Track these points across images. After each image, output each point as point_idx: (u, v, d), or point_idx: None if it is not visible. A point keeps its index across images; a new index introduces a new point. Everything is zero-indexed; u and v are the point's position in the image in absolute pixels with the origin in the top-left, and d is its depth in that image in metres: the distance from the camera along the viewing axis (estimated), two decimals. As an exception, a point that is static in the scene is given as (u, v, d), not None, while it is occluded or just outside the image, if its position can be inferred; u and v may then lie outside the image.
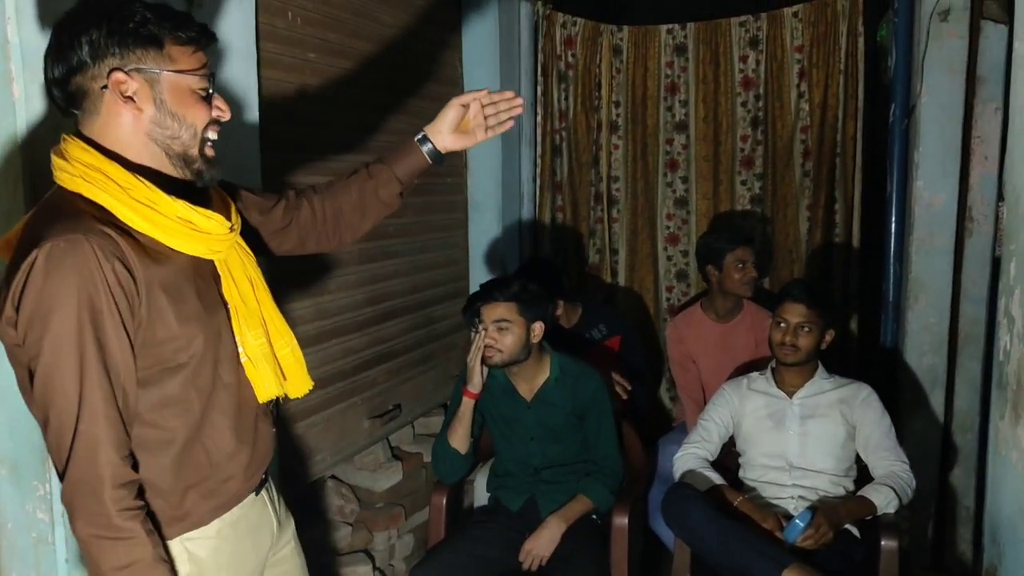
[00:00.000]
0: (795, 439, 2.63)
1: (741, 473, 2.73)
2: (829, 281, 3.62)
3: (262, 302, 1.43)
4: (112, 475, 1.19)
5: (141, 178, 1.24)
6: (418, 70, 3.17)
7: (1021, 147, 1.66)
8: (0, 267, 1.28)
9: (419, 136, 1.65)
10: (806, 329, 2.59)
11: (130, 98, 1.25)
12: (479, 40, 3.49)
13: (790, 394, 2.68)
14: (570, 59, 3.79)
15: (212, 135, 1.33)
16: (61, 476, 1.20)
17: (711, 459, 2.69)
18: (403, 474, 3.08)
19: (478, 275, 3.64)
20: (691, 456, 2.67)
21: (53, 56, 1.25)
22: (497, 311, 2.48)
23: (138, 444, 1.26)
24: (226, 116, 1.35)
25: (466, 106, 1.64)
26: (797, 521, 2.32)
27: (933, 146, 3.17)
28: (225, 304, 1.37)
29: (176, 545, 1.33)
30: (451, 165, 3.48)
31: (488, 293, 2.52)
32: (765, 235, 3.73)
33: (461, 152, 3.49)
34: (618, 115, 3.80)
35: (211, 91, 1.32)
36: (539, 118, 3.83)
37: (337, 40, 2.65)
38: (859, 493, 2.48)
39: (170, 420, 1.30)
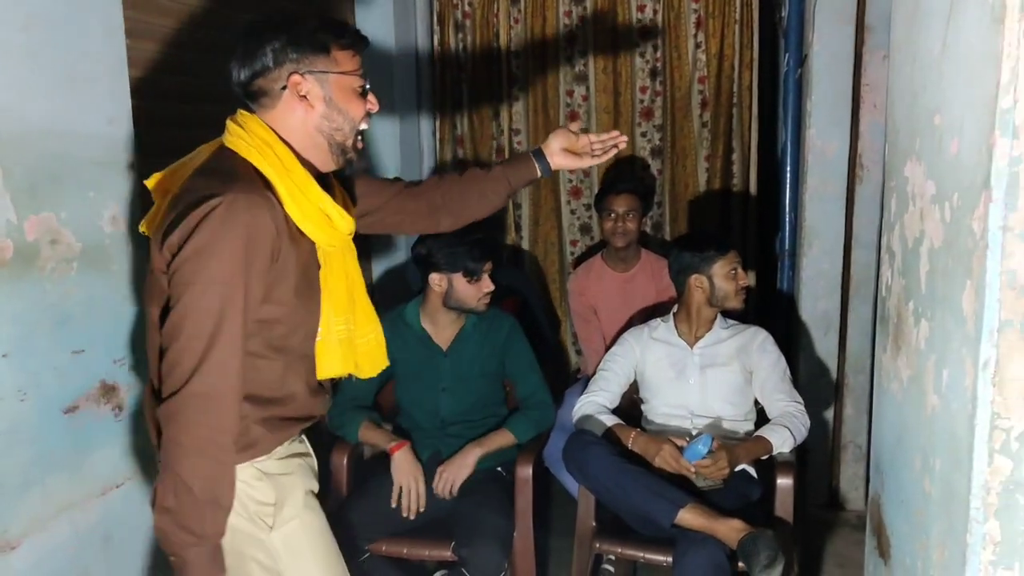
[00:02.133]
0: (696, 388, 2.66)
1: (644, 421, 2.75)
2: (728, 230, 3.66)
3: (355, 293, 1.65)
4: (236, 402, 1.39)
5: (301, 164, 1.49)
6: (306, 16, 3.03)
7: (899, 87, 1.67)
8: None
9: (535, 150, 1.93)
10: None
11: (304, 96, 1.49)
12: (372, -12, 3.37)
13: (690, 343, 2.71)
14: (467, 8, 3.70)
15: (364, 126, 1.58)
16: (171, 392, 1.35)
17: (610, 407, 2.70)
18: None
19: (379, 235, 3.55)
20: (590, 403, 2.68)
21: (240, 62, 1.50)
22: None
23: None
24: (376, 108, 1.59)
25: (576, 133, 1.92)
26: (700, 446, 2.35)
27: (825, 95, 3.22)
28: (318, 288, 1.57)
29: (248, 468, 1.50)
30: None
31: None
32: (647, 185, 3.72)
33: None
34: (517, 66, 3.74)
35: (367, 87, 1.56)
36: (437, 70, 3.74)
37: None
38: (756, 433, 2.53)
39: (260, 364, 1.48)
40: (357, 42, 1.56)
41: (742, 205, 3.66)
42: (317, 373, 1.62)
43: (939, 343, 1.39)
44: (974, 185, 1.21)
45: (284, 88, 1.48)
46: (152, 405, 1.49)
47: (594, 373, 2.85)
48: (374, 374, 1.74)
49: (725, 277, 2.65)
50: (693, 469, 2.38)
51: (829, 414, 3.38)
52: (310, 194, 1.48)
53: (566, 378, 3.69)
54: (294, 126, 1.51)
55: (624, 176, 3.68)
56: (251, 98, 1.52)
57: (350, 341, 1.65)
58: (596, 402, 2.68)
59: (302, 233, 1.49)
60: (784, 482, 2.42)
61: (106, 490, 1.94)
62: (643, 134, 3.72)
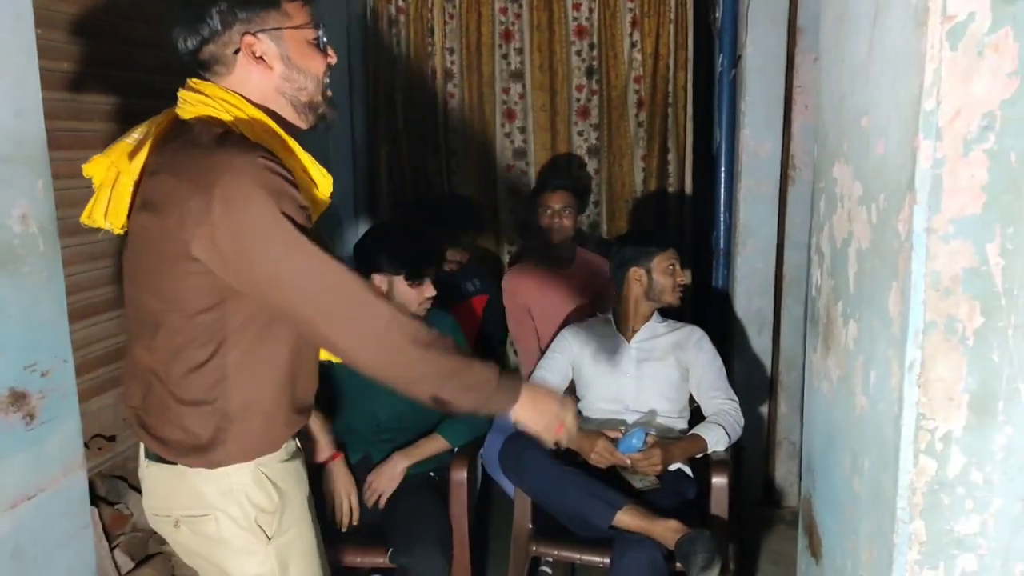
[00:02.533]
0: (632, 382, 2.67)
1: (580, 419, 2.74)
2: (664, 229, 3.68)
3: None
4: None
5: (279, 127, 1.39)
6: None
7: (828, 88, 1.68)
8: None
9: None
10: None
11: (260, 58, 1.38)
12: (302, -19, 3.29)
13: (628, 338, 2.72)
14: (401, 3, 3.64)
15: (327, 80, 1.46)
16: (371, 341, 1.38)
17: (548, 407, 2.68)
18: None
19: (312, 232, 3.48)
20: (525, 404, 2.66)
21: (185, 30, 1.38)
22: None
23: (250, 362, 1.40)
24: (335, 60, 1.47)
25: None
26: (633, 440, 2.35)
27: (758, 96, 3.25)
28: None
29: (250, 471, 1.45)
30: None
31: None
32: (584, 184, 3.72)
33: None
34: (452, 62, 3.70)
35: (324, 39, 1.44)
36: (371, 66, 3.67)
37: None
38: (691, 432, 2.54)
39: (279, 340, 1.42)
40: None
41: (678, 204, 3.68)
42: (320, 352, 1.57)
43: (867, 344, 1.40)
44: (899, 187, 1.22)
45: (237, 51, 1.38)
46: (149, 408, 1.44)
47: (531, 373, 2.83)
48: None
49: (663, 272, 2.67)
50: (628, 461, 2.38)
51: (764, 411, 3.42)
52: (299, 157, 1.41)
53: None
54: (254, 91, 1.40)
55: (560, 173, 3.67)
56: (203, 67, 1.41)
57: None
58: (532, 402, 2.66)
59: None
60: (719, 480, 2.44)
61: (16, 502, 1.84)
62: (580, 133, 3.71)
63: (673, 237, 3.64)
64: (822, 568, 1.70)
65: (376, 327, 1.36)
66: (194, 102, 1.39)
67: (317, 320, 1.35)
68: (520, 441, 2.46)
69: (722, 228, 3.48)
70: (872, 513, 1.36)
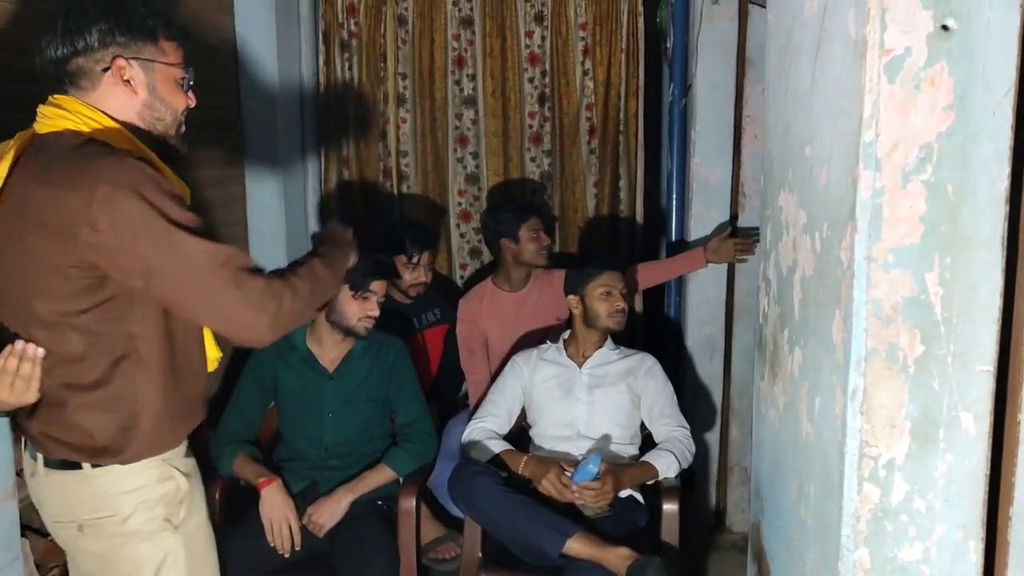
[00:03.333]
0: (583, 408, 2.66)
1: (531, 446, 2.72)
2: (616, 255, 3.69)
3: None
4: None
5: (137, 138, 1.46)
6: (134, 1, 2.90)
7: (773, 118, 1.71)
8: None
9: None
10: (624, 293, 2.72)
11: (127, 81, 1.46)
12: (253, 3, 3.26)
13: (579, 364, 2.71)
14: (353, 28, 3.63)
15: (183, 117, 1.56)
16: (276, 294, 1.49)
17: (501, 432, 2.66)
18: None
19: (260, 254, 3.41)
20: (479, 429, 2.64)
21: (58, 39, 1.43)
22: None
23: (135, 360, 1.46)
24: (194, 104, 1.57)
25: None
26: (591, 466, 2.33)
27: (708, 125, 3.30)
28: None
29: (154, 467, 1.52)
30: (224, 137, 3.24)
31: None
32: (546, 205, 3.74)
33: (232, 118, 3.28)
34: (405, 87, 3.69)
35: (190, 82, 1.55)
36: (322, 89, 3.65)
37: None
38: (642, 459, 2.53)
39: (165, 338, 1.49)
40: (182, 35, 1.55)
41: (629, 230, 3.70)
42: (208, 352, 1.64)
43: (812, 371, 1.41)
44: (841, 215, 1.23)
45: (106, 70, 1.44)
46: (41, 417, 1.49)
47: (478, 403, 2.81)
48: (212, 368, 1.69)
49: (597, 298, 2.68)
50: (576, 492, 2.36)
51: (715, 437, 3.44)
52: (158, 166, 1.46)
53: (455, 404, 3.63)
54: (114, 109, 1.47)
55: (515, 199, 3.66)
56: (66, 77, 1.46)
57: None
58: (485, 427, 2.64)
59: None
60: (670, 507, 2.43)
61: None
62: (532, 159, 3.72)
63: (613, 261, 3.64)
64: (770, 596, 1.70)
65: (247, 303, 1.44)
66: (53, 116, 1.43)
67: (200, 306, 1.44)
68: (469, 469, 2.44)
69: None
70: (818, 540, 1.36)
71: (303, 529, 2.37)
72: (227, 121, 3.26)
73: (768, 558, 1.72)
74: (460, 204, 3.78)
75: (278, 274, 1.55)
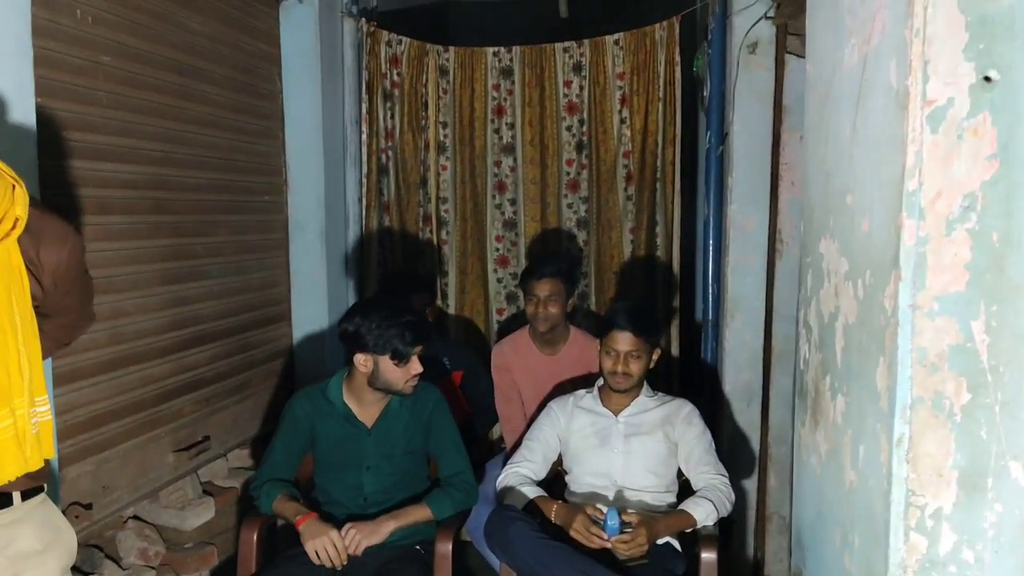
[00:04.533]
0: (619, 457, 2.64)
1: (567, 492, 2.71)
2: (652, 301, 3.70)
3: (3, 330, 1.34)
4: None
5: None
6: (233, 82, 3.01)
7: (813, 167, 1.72)
8: None
9: None
10: (635, 355, 2.62)
11: None
12: (299, 54, 3.37)
13: (615, 412, 2.70)
14: (395, 78, 3.72)
15: None
16: None
17: (535, 478, 2.66)
18: (215, 510, 2.88)
19: (300, 299, 3.49)
20: (512, 475, 2.64)
21: None
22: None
23: None
24: None
25: None
26: (609, 523, 2.32)
27: (745, 172, 3.31)
28: None
29: None
30: (269, 183, 3.32)
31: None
32: (574, 256, 3.75)
33: (280, 169, 3.37)
34: (445, 136, 3.76)
35: None
36: (364, 136, 3.73)
37: (137, 45, 2.46)
38: (680, 507, 2.51)
39: None
40: None
41: (666, 277, 3.71)
42: None
43: (855, 418, 1.40)
44: (884, 263, 1.24)
45: None
46: None
47: (514, 448, 2.80)
48: (33, 467, 1.46)
49: (604, 353, 2.67)
50: (610, 542, 2.34)
51: (752, 485, 3.39)
52: None
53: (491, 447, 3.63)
54: None
55: (552, 244, 3.70)
56: None
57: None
58: (520, 473, 2.64)
59: None
60: (708, 556, 2.40)
61: (-8, 573, 1.80)
62: (569, 206, 3.76)
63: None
64: (814, 648, 1.67)
65: None
66: None
67: None
68: (505, 515, 2.43)
69: (710, 301, 3.50)
70: (864, 591, 1.34)
71: (343, 573, 2.38)
72: (274, 168, 3.35)
73: (811, 609, 1.70)
74: (498, 249, 3.83)
75: None
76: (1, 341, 1.33)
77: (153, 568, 2.67)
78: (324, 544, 2.33)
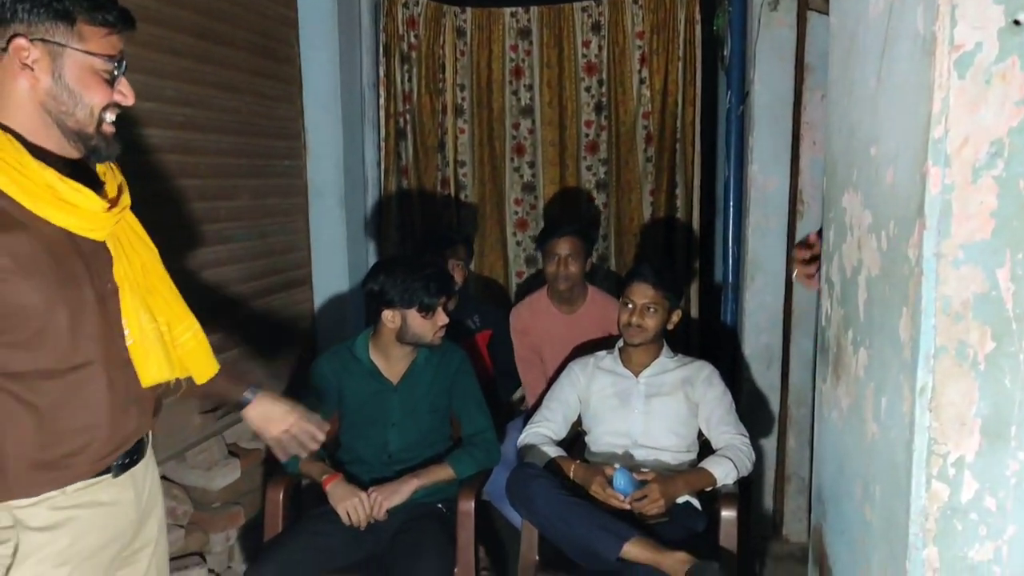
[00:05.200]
0: (640, 417, 2.66)
1: (587, 452, 2.73)
2: (672, 263, 3.69)
3: (156, 287, 1.46)
4: None
5: (14, 140, 1.26)
6: (251, 45, 3.00)
7: (837, 120, 1.71)
8: None
9: (252, 390, 1.75)
10: (652, 310, 2.63)
11: (28, 66, 1.26)
12: (316, 17, 3.35)
13: (636, 373, 2.72)
14: (413, 40, 3.70)
15: (110, 116, 1.35)
16: None
17: (556, 438, 2.68)
18: (241, 471, 2.93)
19: (321, 263, 3.51)
20: (533, 434, 2.66)
21: None
22: None
23: None
24: (129, 101, 1.37)
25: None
26: (620, 483, 2.36)
27: (766, 132, 3.28)
28: (112, 284, 1.39)
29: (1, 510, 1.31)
30: (289, 147, 3.33)
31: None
32: (591, 217, 3.74)
33: (299, 134, 3.38)
34: (463, 98, 3.75)
35: (116, 75, 1.34)
36: (382, 100, 3.73)
37: (155, 7, 2.46)
38: (700, 465, 2.53)
39: (11, 384, 1.29)
40: (118, 22, 1.33)
41: (685, 238, 3.70)
42: (141, 380, 1.44)
43: (877, 371, 1.40)
44: (909, 213, 1.23)
45: (4, 50, 1.26)
46: None
47: (534, 408, 2.83)
48: (205, 379, 1.57)
49: (621, 305, 2.68)
50: (627, 502, 2.37)
51: (772, 446, 3.40)
52: (27, 170, 1.25)
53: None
54: (16, 100, 1.28)
55: (571, 207, 3.69)
56: None
57: (172, 340, 1.48)
58: (540, 433, 2.66)
59: (41, 219, 1.29)
60: (728, 514, 2.42)
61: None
62: (588, 167, 3.75)
63: (676, 271, 3.64)
64: (833, 600, 1.68)
65: None
66: None
67: None
68: (527, 472, 2.46)
69: (730, 263, 3.49)
70: (884, 541, 1.35)
71: (367, 531, 2.42)
72: (292, 132, 3.36)
73: (830, 561, 1.71)
74: (516, 213, 3.83)
75: None
76: (162, 283, 1.49)
77: (182, 527, 2.72)
78: (354, 505, 2.39)
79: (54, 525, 1.34)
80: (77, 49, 1.28)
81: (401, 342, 2.53)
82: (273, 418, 1.78)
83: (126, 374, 1.42)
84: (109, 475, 1.43)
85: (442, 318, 2.51)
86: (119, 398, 1.41)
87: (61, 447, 1.34)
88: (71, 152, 1.35)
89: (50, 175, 1.28)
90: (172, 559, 2.65)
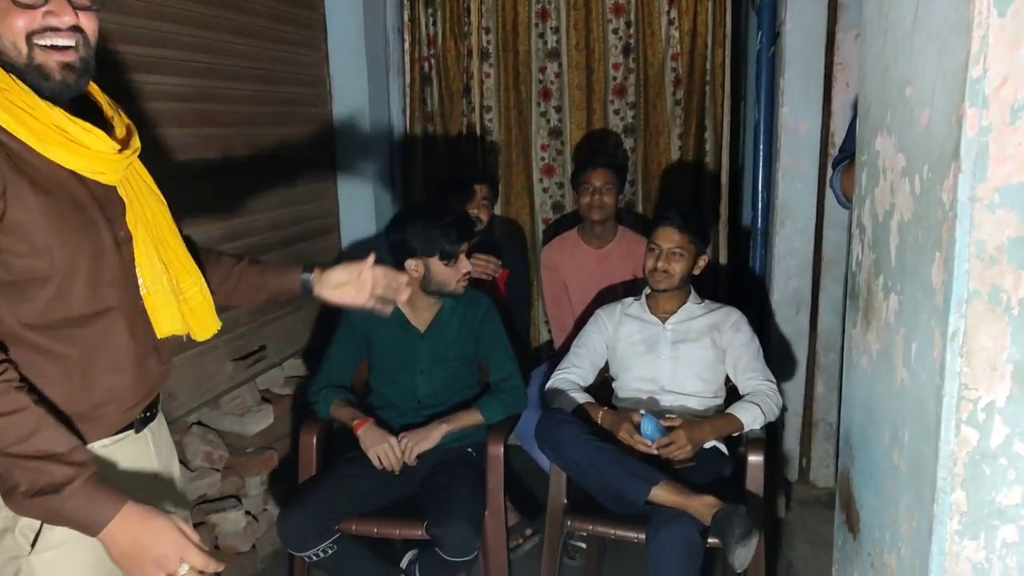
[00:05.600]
0: (667, 363, 2.66)
1: (614, 398, 2.75)
2: (700, 209, 3.66)
3: (166, 239, 1.45)
4: None
5: (19, 81, 1.23)
6: (272, -8, 2.98)
7: (871, 60, 1.66)
8: None
9: (307, 268, 1.75)
10: (678, 254, 2.62)
11: None
12: (339, -39, 3.31)
13: (663, 319, 2.72)
14: (437, -17, 3.65)
15: (46, 41, 1.25)
16: None
17: (583, 384, 2.70)
18: (274, 417, 2.99)
19: (348, 211, 3.52)
20: (560, 380, 2.68)
21: None
22: None
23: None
24: (60, 19, 1.25)
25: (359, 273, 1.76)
26: (647, 429, 2.39)
27: (797, 73, 3.21)
28: (126, 231, 1.37)
29: None
30: (314, 94, 3.32)
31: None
32: (621, 160, 3.71)
33: (324, 80, 3.35)
34: (488, 42, 3.70)
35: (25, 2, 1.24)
36: (406, 45, 3.69)
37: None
38: (727, 411, 2.53)
39: (36, 337, 1.28)
40: None
41: (714, 183, 3.66)
42: (156, 331, 1.43)
43: (908, 316, 1.39)
44: (944, 156, 1.21)
45: None
46: None
47: (562, 350, 2.84)
48: (205, 336, 1.54)
49: (647, 251, 2.67)
50: (654, 448, 2.39)
51: (799, 392, 3.40)
52: (36, 111, 1.24)
53: (536, 355, 3.68)
54: None
55: (598, 151, 3.66)
56: None
57: (175, 293, 1.46)
58: (568, 379, 2.68)
59: (53, 163, 1.28)
60: (755, 459, 2.43)
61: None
62: (616, 111, 3.70)
63: (705, 216, 3.61)
64: (859, 543, 1.69)
65: None
66: None
67: None
68: (556, 417, 2.48)
69: (760, 207, 3.45)
70: (912, 485, 1.35)
71: (398, 475, 2.47)
72: (317, 78, 3.34)
73: (857, 506, 1.71)
74: (543, 159, 3.80)
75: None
76: (172, 236, 1.47)
77: (218, 471, 2.79)
78: (385, 450, 2.43)
79: None
80: None
81: (426, 292, 2.54)
82: (344, 281, 1.77)
83: (144, 323, 1.42)
84: (131, 431, 1.45)
85: (465, 265, 2.52)
86: (140, 347, 1.41)
87: (91, 398, 1.35)
88: (50, 90, 1.28)
89: (58, 114, 1.26)
90: (210, 502, 2.74)
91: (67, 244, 1.27)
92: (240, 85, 2.80)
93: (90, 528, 1.23)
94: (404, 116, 3.76)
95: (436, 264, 2.49)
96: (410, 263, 2.50)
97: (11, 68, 1.25)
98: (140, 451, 1.47)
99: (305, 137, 3.25)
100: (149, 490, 1.48)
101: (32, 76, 1.25)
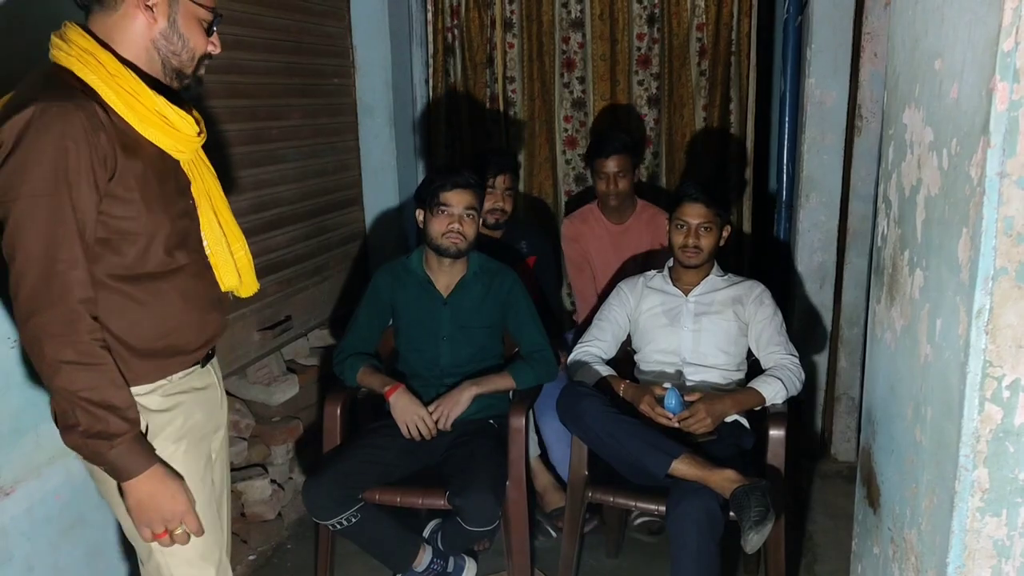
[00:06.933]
0: (689, 335, 2.66)
1: (636, 371, 2.76)
2: (725, 180, 3.63)
3: (220, 209, 1.67)
4: (86, 309, 1.38)
5: (129, 69, 1.44)
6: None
7: (900, 32, 1.64)
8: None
9: None
10: (707, 228, 2.62)
11: (150, 8, 1.45)
12: (362, -69, 3.29)
13: (685, 292, 2.71)
14: (460, -48, 3.62)
15: (204, 62, 1.57)
16: (28, 312, 1.35)
17: (606, 357, 2.71)
18: (299, 387, 3.02)
19: (371, 183, 3.53)
20: (583, 353, 2.69)
21: None
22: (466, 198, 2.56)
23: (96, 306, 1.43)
24: (217, 51, 1.58)
25: None
26: (671, 402, 2.40)
27: (825, 43, 3.17)
28: (192, 201, 1.60)
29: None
30: (337, 65, 3.31)
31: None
32: (643, 135, 3.67)
33: (347, 51, 3.35)
34: (512, 12, 3.67)
35: (214, 27, 1.56)
36: (429, 15, 3.67)
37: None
38: (749, 385, 2.53)
39: (124, 286, 1.47)
40: None
41: (739, 155, 3.62)
42: (220, 285, 1.68)
43: (933, 292, 1.38)
44: (973, 130, 1.19)
45: None
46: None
47: (585, 322, 2.84)
48: (249, 293, 1.76)
49: (674, 227, 2.66)
50: (675, 421, 2.40)
51: (823, 366, 3.39)
52: (141, 96, 1.44)
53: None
54: (131, 36, 1.46)
55: (613, 131, 3.62)
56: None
57: (231, 256, 1.69)
58: (591, 352, 2.69)
59: (147, 141, 1.48)
60: (776, 433, 2.43)
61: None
62: (640, 82, 3.66)
63: (729, 189, 3.59)
64: (880, 517, 1.70)
65: (52, 331, 1.36)
66: (57, 47, 1.43)
67: (10, 279, 1.37)
68: (577, 390, 2.49)
69: (785, 180, 3.43)
70: (934, 461, 1.36)
71: (422, 445, 2.50)
72: (341, 50, 3.33)
73: (879, 481, 1.72)
74: (566, 130, 3.78)
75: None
76: (224, 206, 1.69)
77: (245, 439, 2.84)
78: (415, 420, 2.46)
79: (169, 408, 1.57)
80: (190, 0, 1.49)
81: (430, 247, 2.58)
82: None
83: (210, 279, 1.65)
84: (199, 366, 1.66)
85: (452, 221, 2.51)
86: (206, 300, 1.64)
87: (168, 338, 1.56)
88: (171, 83, 1.54)
89: (161, 102, 1.46)
90: (237, 470, 2.79)
91: (153, 210, 1.48)
92: (267, 56, 2.81)
93: (122, 475, 1.45)
94: (427, 87, 3.75)
95: (428, 215, 2.56)
96: (417, 213, 2.61)
97: (176, 73, 1.52)
98: (208, 381, 1.71)
99: (329, 109, 3.26)
100: (217, 412, 1.74)
101: (182, 80, 1.54)
